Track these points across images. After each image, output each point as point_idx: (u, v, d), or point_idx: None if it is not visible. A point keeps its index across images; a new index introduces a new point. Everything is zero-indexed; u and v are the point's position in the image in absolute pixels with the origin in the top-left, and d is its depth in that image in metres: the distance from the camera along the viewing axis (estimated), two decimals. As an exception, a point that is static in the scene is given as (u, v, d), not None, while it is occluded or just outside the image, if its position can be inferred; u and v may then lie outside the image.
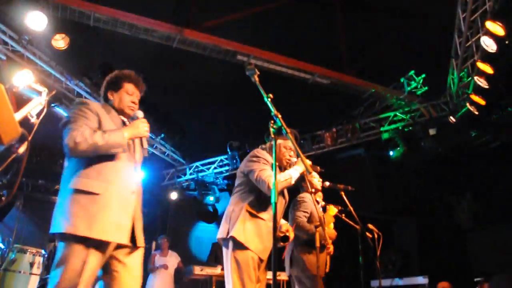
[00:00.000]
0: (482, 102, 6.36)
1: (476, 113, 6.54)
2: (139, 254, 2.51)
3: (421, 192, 8.35)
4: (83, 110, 2.49)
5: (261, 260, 3.16)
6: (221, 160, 9.43)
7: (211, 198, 9.74)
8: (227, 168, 9.33)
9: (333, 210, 4.26)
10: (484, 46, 5.47)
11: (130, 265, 2.45)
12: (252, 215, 3.16)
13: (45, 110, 2.24)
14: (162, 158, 9.64)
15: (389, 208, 8.29)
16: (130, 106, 2.69)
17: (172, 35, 6.51)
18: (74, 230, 2.23)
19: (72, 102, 6.96)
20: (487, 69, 5.88)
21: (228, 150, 8.58)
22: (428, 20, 6.70)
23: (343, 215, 4.17)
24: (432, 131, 7.05)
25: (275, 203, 2.11)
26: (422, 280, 6.80)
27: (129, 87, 2.71)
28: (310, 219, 4.15)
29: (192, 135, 8.71)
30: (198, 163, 9.76)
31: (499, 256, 7.52)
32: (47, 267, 6.14)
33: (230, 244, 3.10)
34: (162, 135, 8.69)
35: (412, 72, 7.34)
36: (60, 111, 6.89)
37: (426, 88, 7.33)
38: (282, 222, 3.52)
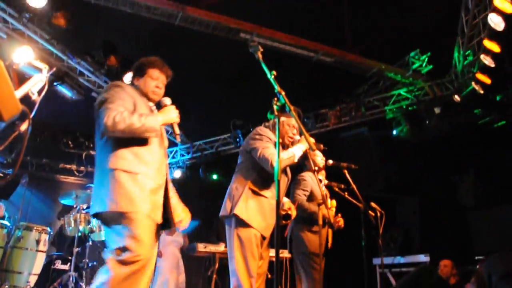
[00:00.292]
0: (488, 81, 6.29)
1: (481, 92, 6.47)
2: (158, 233, 2.62)
3: (424, 171, 8.34)
4: (119, 92, 2.54)
5: (263, 238, 3.19)
6: (224, 139, 9.43)
7: (214, 176, 9.79)
8: (230, 146, 9.34)
9: (333, 203, 4.28)
10: (492, 24, 5.38)
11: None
12: (255, 192, 3.17)
13: (46, 87, 2.23)
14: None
15: (392, 187, 8.31)
16: (153, 91, 2.76)
17: (174, 13, 6.43)
18: (119, 207, 2.31)
19: (73, 80, 6.93)
20: (494, 47, 5.79)
21: (232, 128, 8.56)
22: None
23: (346, 193, 4.17)
24: (437, 110, 7.00)
25: (278, 181, 2.11)
26: (423, 258, 6.85)
27: (153, 72, 2.77)
28: (311, 198, 4.16)
29: (195, 113, 8.68)
30: (201, 142, 9.78)
31: (500, 235, 7.56)
32: (53, 244, 6.24)
33: (233, 221, 3.12)
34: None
35: (417, 51, 7.24)
36: (63, 90, 6.86)
37: (431, 66, 7.24)
38: (285, 200, 3.54)
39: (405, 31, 7.06)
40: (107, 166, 2.41)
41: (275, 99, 2.27)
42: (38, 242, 5.24)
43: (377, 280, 7.25)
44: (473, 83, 6.49)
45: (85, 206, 5.99)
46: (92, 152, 8.47)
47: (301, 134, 3.31)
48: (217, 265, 5.37)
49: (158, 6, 6.34)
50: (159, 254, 7.08)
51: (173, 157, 10.16)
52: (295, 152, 3.18)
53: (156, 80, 2.77)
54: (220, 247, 5.41)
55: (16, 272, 5.00)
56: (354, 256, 4.68)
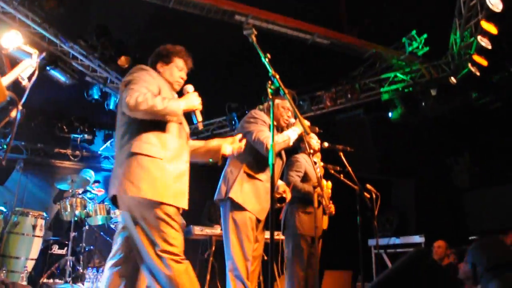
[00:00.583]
0: (484, 63, 6.27)
1: (478, 74, 6.45)
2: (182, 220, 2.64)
3: (420, 153, 8.38)
4: (144, 75, 2.51)
5: (258, 221, 3.20)
6: (220, 122, 9.40)
7: (210, 159, 9.79)
8: (225, 129, 9.31)
9: (328, 185, 4.30)
10: (490, 5, 5.33)
11: None
12: (250, 176, 3.17)
13: (36, 72, 2.19)
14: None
15: (387, 169, 8.34)
16: (178, 82, 2.75)
17: (168, -5, 6.33)
18: (143, 194, 2.28)
19: (67, 64, 6.85)
20: (492, 29, 5.75)
21: (227, 111, 8.52)
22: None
23: (342, 175, 4.19)
24: (433, 92, 6.99)
25: (273, 164, 2.11)
26: (418, 239, 6.94)
27: (179, 62, 2.77)
28: (305, 179, 4.16)
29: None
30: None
31: (494, 216, 7.65)
32: (49, 229, 6.25)
33: (228, 205, 3.13)
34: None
35: (413, 32, 7.18)
36: (56, 74, 6.79)
37: (428, 48, 7.18)
38: (279, 183, 3.55)
39: (402, 13, 6.99)
40: (130, 150, 2.37)
41: (269, 82, 2.25)
42: (34, 227, 5.25)
43: (372, 260, 7.34)
44: (469, 64, 6.46)
45: (80, 191, 5.99)
46: (87, 137, 8.43)
47: (295, 117, 3.29)
48: (213, 248, 5.41)
49: (152, -12, 6.23)
50: None
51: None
52: (290, 135, 3.17)
53: (181, 71, 2.77)
54: (217, 230, 5.44)
55: (13, 257, 5.02)
56: (350, 237, 4.72)
